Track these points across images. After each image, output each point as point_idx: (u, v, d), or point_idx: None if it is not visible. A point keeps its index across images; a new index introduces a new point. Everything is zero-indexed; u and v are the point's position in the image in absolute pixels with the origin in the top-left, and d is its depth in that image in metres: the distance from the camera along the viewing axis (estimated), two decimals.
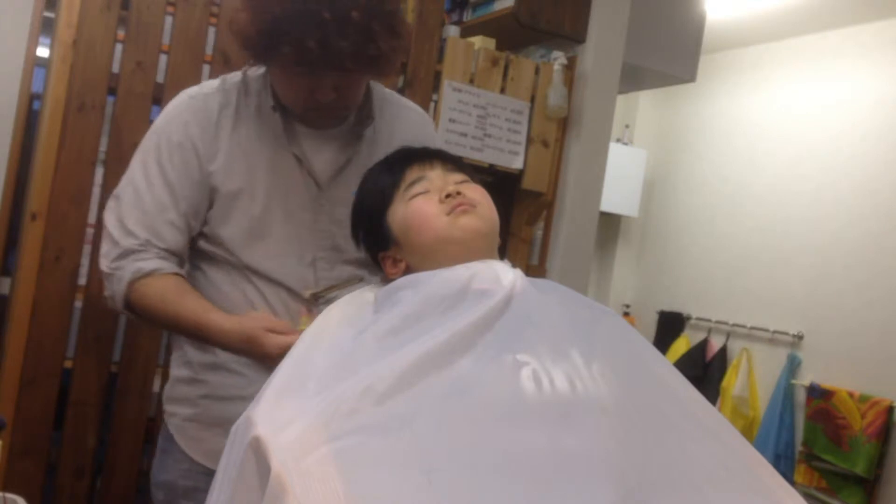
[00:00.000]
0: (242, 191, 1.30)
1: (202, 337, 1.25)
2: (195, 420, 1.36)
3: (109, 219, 1.30)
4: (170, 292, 1.26)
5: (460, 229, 1.10)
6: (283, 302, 1.31)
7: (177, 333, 1.35)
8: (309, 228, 1.32)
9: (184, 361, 1.39)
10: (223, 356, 1.34)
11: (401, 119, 1.44)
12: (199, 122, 1.30)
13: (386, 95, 1.45)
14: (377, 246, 1.18)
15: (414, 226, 1.12)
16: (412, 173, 1.17)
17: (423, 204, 1.12)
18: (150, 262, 1.26)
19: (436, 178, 1.16)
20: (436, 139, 1.50)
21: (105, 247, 1.30)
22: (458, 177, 1.17)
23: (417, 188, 1.15)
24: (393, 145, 1.33)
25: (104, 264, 1.29)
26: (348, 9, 1.14)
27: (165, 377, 2.12)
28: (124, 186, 1.32)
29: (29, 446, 2.00)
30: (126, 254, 1.27)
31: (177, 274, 1.30)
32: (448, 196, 1.12)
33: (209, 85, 1.36)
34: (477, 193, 1.15)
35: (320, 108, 1.27)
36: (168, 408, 1.41)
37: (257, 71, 1.36)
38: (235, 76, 1.37)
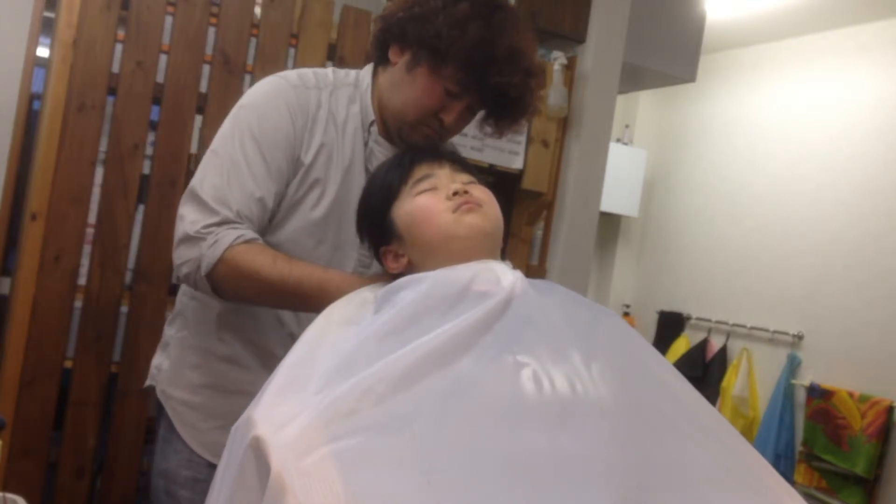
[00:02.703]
0: (318, 183, 1.31)
1: (315, 296, 1.19)
2: (195, 408, 1.36)
3: (205, 187, 1.25)
4: (280, 257, 1.23)
5: (465, 226, 1.10)
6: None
7: (272, 299, 1.27)
8: (353, 244, 1.33)
9: (188, 345, 1.38)
10: (236, 349, 1.35)
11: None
12: (299, 112, 1.30)
13: None
14: (380, 240, 1.19)
15: (419, 221, 1.12)
16: (420, 170, 1.17)
17: (430, 200, 1.13)
18: (249, 233, 1.24)
19: (443, 177, 1.16)
20: None
21: (193, 214, 1.24)
22: (466, 177, 1.18)
23: (424, 185, 1.15)
24: None
25: (191, 228, 1.23)
26: (535, 68, 1.29)
27: None
28: (222, 160, 1.27)
29: (29, 446, 2.00)
30: (222, 222, 1.23)
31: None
32: (455, 194, 1.12)
33: (308, 79, 1.33)
34: (483, 194, 1.16)
35: (430, 128, 1.30)
36: (166, 389, 1.40)
37: (346, 78, 1.37)
38: (326, 77, 1.36)
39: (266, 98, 1.31)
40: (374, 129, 1.34)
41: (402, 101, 1.29)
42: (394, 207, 1.16)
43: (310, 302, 1.18)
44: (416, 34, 1.25)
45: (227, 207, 1.24)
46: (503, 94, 1.25)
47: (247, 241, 1.22)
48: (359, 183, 1.33)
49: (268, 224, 1.31)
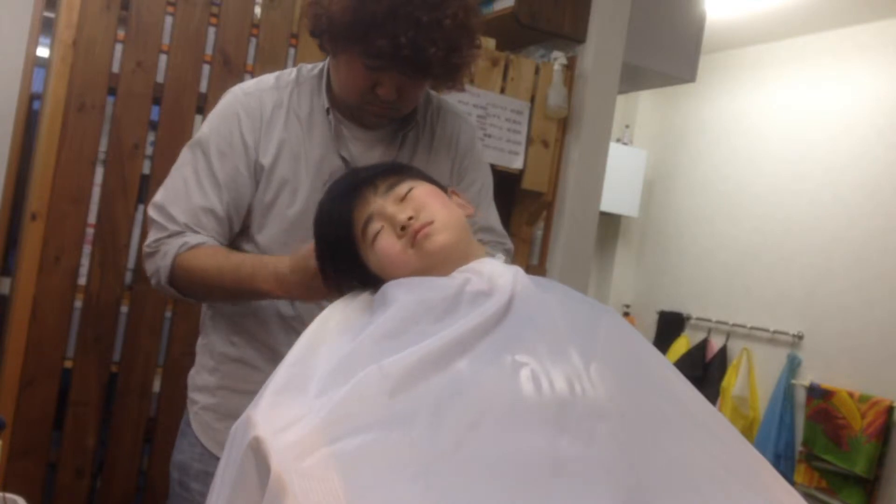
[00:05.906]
0: (287, 183, 1.33)
1: (254, 283, 1.23)
2: (212, 410, 1.40)
3: (152, 209, 1.36)
4: (220, 252, 1.31)
5: (428, 255, 1.07)
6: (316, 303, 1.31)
7: (223, 293, 1.32)
8: None
9: (208, 350, 1.43)
10: (246, 350, 1.38)
11: (442, 124, 1.45)
12: (251, 117, 1.34)
13: (431, 98, 1.46)
14: (369, 283, 1.13)
15: (386, 268, 1.09)
16: (360, 212, 1.11)
17: (385, 244, 1.08)
18: (194, 238, 1.31)
19: (384, 207, 1.09)
20: (475, 148, 1.50)
21: (150, 234, 1.35)
22: (403, 187, 1.11)
23: (373, 227, 1.09)
24: (433, 149, 1.38)
25: (146, 245, 1.34)
26: (443, 17, 1.19)
27: (166, 377, 2.13)
28: (174, 178, 1.37)
29: (29, 446, 2.00)
30: (170, 235, 1.33)
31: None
32: (403, 228, 1.07)
33: (265, 82, 1.38)
34: (426, 201, 1.09)
35: (375, 105, 1.29)
36: (190, 394, 1.46)
37: (311, 71, 1.39)
38: (289, 74, 1.39)
39: (219, 111, 1.36)
40: (332, 115, 1.35)
41: (339, 86, 1.32)
42: (361, 258, 1.11)
43: (249, 284, 1.24)
44: (315, 23, 1.26)
45: (173, 222, 1.33)
46: (395, 55, 1.19)
47: (191, 248, 1.30)
48: (335, 166, 1.34)
49: (246, 230, 1.36)
